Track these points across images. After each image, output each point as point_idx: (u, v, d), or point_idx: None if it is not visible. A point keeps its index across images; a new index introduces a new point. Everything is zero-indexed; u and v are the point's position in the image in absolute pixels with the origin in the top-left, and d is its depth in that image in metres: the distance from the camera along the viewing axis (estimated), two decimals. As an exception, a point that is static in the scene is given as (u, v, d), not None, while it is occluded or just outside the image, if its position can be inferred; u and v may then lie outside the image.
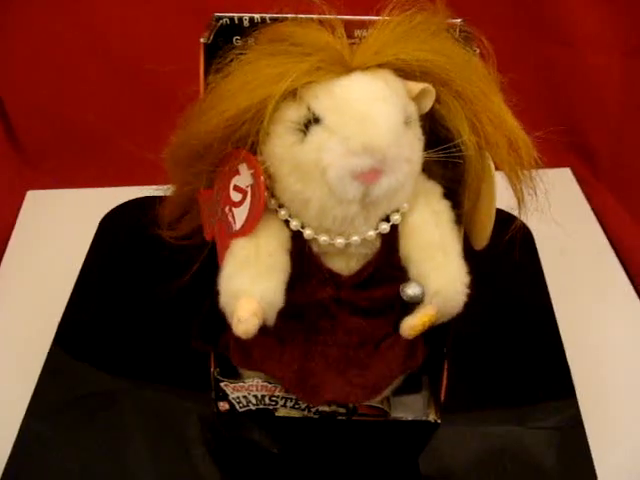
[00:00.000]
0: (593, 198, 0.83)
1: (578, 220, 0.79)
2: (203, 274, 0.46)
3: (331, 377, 0.46)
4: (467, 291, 0.43)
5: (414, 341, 0.48)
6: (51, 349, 0.60)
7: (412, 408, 0.55)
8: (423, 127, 0.42)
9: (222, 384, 0.53)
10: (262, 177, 0.40)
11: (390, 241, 0.44)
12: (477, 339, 0.60)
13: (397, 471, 0.52)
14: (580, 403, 0.56)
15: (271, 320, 0.42)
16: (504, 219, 0.44)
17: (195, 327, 0.53)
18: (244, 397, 0.53)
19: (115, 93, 0.82)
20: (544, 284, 0.67)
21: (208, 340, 0.52)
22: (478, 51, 0.42)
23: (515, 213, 0.44)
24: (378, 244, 0.44)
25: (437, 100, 0.41)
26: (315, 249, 0.43)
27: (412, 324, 0.43)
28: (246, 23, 0.43)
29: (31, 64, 0.80)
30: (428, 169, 0.44)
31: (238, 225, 0.42)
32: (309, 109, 0.39)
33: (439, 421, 0.55)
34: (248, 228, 0.42)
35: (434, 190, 0.45)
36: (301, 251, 0.43)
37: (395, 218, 0.42)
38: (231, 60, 0.40)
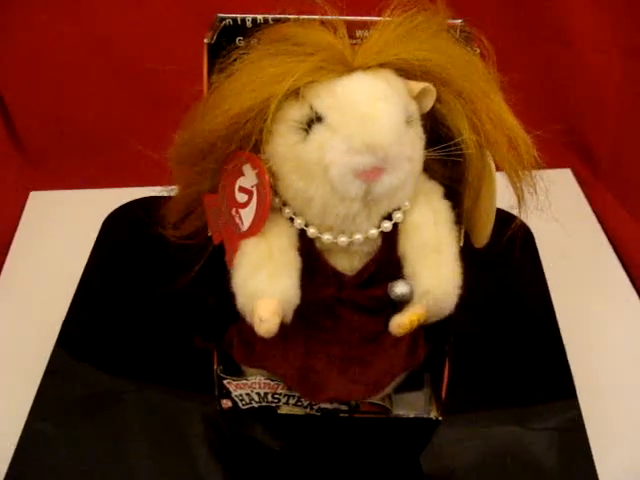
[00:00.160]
0: (593, 198, 0.83)
1: (578, 220, 0.79)
2: (206, 273, 0.46)
3: (333, 374, 0.47)
4: (458, 292, 0.44)
5: (416, 339, 0.48)
6: (54, 349, 0.60)
7: (414, 405, 0.55)
8: (424, 126, 0.42)
9: (225, 382, 0.53)
10: (267, 176, 0.40)
11: (392, 239, 0.44)
12: (478, 338, 0.60)
13: (399, 468, 0.53)
14: (581, 404, 0.56)
15: (289, 317, 0.42)
16: (505, 219, 0.45)
17: (198, 325, 0.53)
18: (247, 395, 0.53)
19: (117, 94, 0.82)
20: (545, 284, 0.67)
21: (211, 338, 0.52)
22: (478, 51, 0.42)
23: (515, 212, 0.45)
24: (380, 242, 0.44)
25: (438, 99, 0.41)
26: (319, 247, 0.44)
27: (400, 322, 0.44)
28: (249, 24, 0.43)
29: (34, 65, 0.81)
30: (429, 168, 0.44)
31: (246, 226, 0.42)
32: (311, 108, 0.39)
33: (440, 418, 0.55)
34: (256, 228, 0.42)
35: (435, 190, 0.45)
36: (306, 249, 0.43)
37: (397, 216, 0.43)
38: (234, 60, 0.41)
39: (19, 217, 0.79)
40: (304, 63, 0.39)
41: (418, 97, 0.41)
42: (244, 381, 0.52)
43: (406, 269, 0.44)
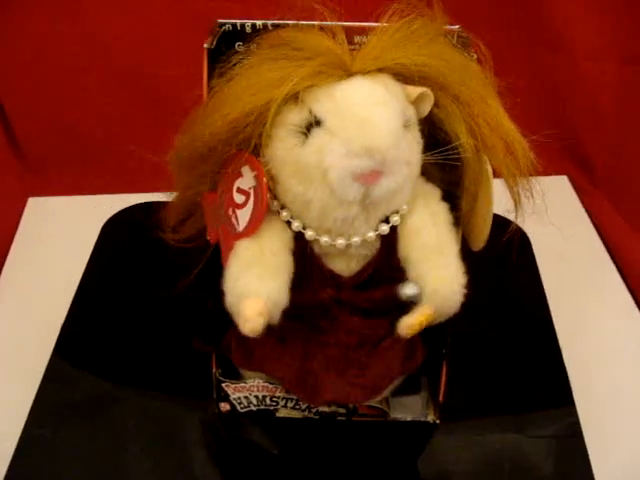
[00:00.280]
0: (590, 205, 0.83)
1: (575, 227, 0.79)
2: (205, 277, 0.47)
3: (331, 377, 0.47)
4: (464, 291, 0.44)
5: (413, 342, 0.48)
6: (53, 355, 0.60)
7: (411, 409, 0.55)
8: (422, 130, 0.42)
9: (223, 385, 0.53)
10: (265, 179, 0.40)
11: (389, 242, 0.44)
12: (475, 344, 0.60)
13: (396, 471, 0.53)
14: (578, 411, 0.56)
15: (275, 319, 0.42)
16: (501, 223, 0.45)
17: (197, 328, 0.53)
18: (245, 398, 0.53)
19: (117, 100, 0.82)
20: (542, 289, 0.68)
21: (210, 341, 0.52)
22: (475, 56, 0.43)
23: (512, 216, 0.45)
24: (378, 245, 0.44)
25: (435, 104, 0.42)
26: (316, 250, 0.44)
27: (409, 323, 0.44)
28: (248, 29, 0.43)
29: (33, 71, 0.80)
30: (427, 172, 0.45)
31: (241, 226, 0.43)
32: (310, 112, 0.40)
33: (438, 422, 0.55)
34: (251, 229, 0.42)
35: (433, 193, 0.45)
36: (303, 252, 0.44)
37: (394, 219, 0.43)
38: (234, 65, 0.41)
39: (18, 223, 0.79)
40: (303, 68, 0.39)
41: (416, 102, 0.42)
42: (242, 384, 0.52)
43: (410, 271, 0.44)
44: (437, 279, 0.43)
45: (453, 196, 0.45)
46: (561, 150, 0.86)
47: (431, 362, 0.52)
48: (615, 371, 0.62)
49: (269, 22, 0.43)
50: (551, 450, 0.54)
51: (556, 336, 0.63)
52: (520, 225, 0.45)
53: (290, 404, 0.53)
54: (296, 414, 0.54)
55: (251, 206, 0.42)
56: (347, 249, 0.43)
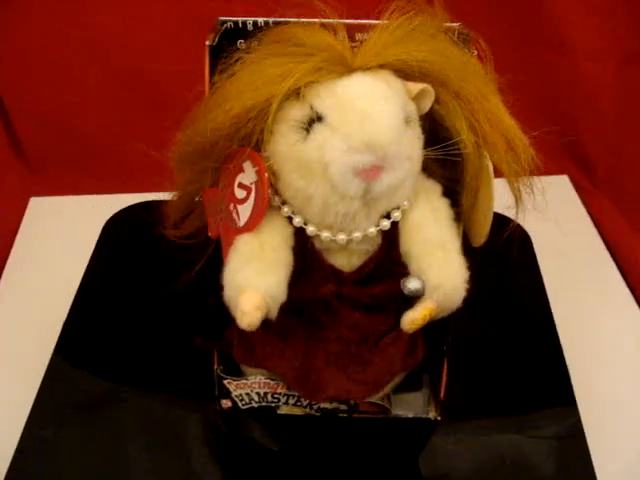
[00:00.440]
0: (590, 205, 0.84)
1: (576, 226, 0.79)
2: (206, 273, 0.47)
3: (332, 373, 0.47)
4: (466, 286, 0.44)
5: (414, 338, 0.48)
6: (54, 354, 0.60)
7: (412, 406, 0.55)
8: (423, 127, 0.43)
9: (225, 381, 0.53)
10: (266, 174, 0.41)
11: (391, 238, 0.44)
12: (476, 341, 0.60)
13: (397, 468, 0.53)
14: (580, 411, 0.56)
15: (273, 314, 0.42)
16: (502, 221, 0.45)
17: (198, 325, 0.53)
18: (247, 394, 0.53)
19: (118, 100, 0.83)
20: (543, 288, 0.68)
21: (211, 338, 0.52)
22: (476, 53, 0.43)
23: (513, 213, 0.45)
24: (379, 240, 0.44)
25: (436, 100, 0.42)
26: (317, 245, 0.44)
27: (413, 318, 0.44)
28: (250, 27, 0.43)
29: (34, 71, 0.81)
30: (428, 168, 0.45)
31: (242, 221, 0.43)
32: (312, 108, 0.40)
33: (439, 419, 0.55)
34: (252, 224, 0.42)
35: (434, 188, 0.46)
36: (304, 247, 0.44)
37: (395, 215, 0.43)
38: (236, 61, 0.41)
39: (19, 223, 0.79)
40: (305, 64, 0.39)
41: (417, 98, 0.42)
42: (244, 381, 0.52)
43: (412, 267, 0.44)
44: (440, 274, 0.43)
45: (454, 192, 0.46)
46: (562, 150, 0.86)
47: (432, 359, 0.52)
48: (616, 370, 0.62)
49: (270, 20, 0.43)
50: (553, 450, 0.54)
51: (557, 335, 0.62)
52: (521, 223, 0.45)
53: (292, 401, 0.53)
54: (298, 411, 0.54)
55: (252, 201, 0.42)
56: (348, 244, 0.44)
